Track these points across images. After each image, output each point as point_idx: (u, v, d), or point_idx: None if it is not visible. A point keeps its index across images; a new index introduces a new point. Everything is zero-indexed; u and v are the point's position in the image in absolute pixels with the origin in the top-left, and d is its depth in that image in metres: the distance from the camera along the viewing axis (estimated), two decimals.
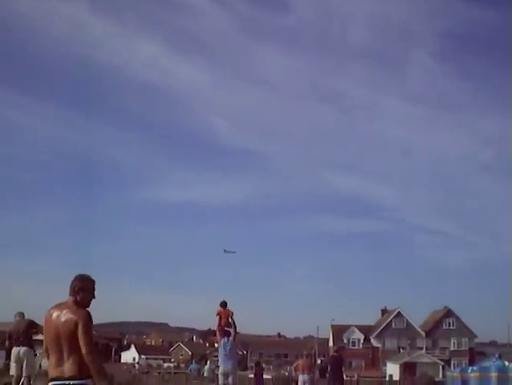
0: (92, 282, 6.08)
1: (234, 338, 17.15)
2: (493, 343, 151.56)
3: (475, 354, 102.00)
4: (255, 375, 30.30)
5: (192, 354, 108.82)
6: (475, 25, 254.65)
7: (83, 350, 5.63)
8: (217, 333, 17.51)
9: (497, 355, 35.50)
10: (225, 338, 17.00)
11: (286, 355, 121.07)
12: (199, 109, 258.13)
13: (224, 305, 17.49)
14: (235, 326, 17.26)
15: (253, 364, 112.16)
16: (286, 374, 58.13)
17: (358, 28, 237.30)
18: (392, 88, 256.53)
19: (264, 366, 36.88)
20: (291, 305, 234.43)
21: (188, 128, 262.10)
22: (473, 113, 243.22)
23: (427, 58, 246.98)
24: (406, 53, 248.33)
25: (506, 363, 33.05)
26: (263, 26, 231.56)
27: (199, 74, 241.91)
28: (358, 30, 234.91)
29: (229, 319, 17.25)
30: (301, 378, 20.82)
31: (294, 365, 22.55)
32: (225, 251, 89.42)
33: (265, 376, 52.15)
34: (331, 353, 35.50)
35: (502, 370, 29.58)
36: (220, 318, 17.49)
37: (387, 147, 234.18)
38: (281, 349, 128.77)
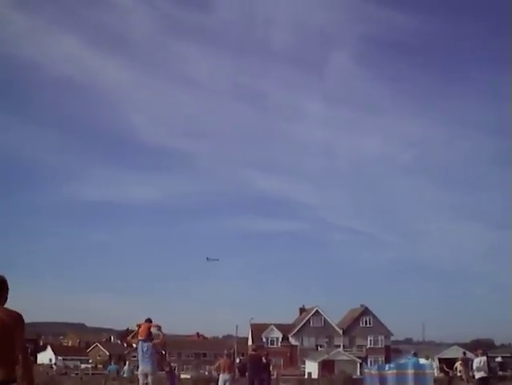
0: (4, 282, 5.83)
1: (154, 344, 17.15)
2: (408, 341, 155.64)
3: (391, 352, 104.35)
4: (167, 377, 30.14)
5: (110, 354, 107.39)
6: (395, 29, 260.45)
7: (21, 355, 5.42)
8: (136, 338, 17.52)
9: (412, 352, 36.34)
10: (144, 341, 16.97)
11: (205, 355, 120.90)
12: (120, 107, 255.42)
13: (149, 321, 17.42)
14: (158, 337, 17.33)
15: (172, 364, 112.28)
16: (206, 373, 57.96)
17: (280, 30, 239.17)
18: (312, 90, 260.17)
19: (173, 365, 36.58)
20: (210, 305, 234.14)
21: (108, 126, 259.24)
22: (392, 115, 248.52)
23: (347, 61, 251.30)
24: (327, 56, 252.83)
25: (421, 360, 33.93)
26: (186, 25, 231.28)
27: (120, 72, 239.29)
28: (280, 33, 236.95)
29: (151, 329, 17.18)
30: (222, 377, 20.79)
31: (216, 365, 22.41)
32: (207, 259, 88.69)
33: (184, 376, 52.07)
34: (250, 352, 35.58)
35: (418, 367, 30.34)
36: (139, 328, 17.46)
37: (307, 147, 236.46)
38: (200, 348, 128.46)
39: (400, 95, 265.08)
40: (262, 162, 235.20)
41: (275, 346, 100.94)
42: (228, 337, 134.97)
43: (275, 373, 51.39)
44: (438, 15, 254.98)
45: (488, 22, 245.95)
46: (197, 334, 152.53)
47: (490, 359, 34.79)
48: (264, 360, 22.79)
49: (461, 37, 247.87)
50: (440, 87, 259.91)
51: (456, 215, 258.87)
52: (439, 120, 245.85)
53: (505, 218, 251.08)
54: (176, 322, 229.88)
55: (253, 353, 22.88)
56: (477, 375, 21.62)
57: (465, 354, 41.14)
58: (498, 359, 53.35)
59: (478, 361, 21.82)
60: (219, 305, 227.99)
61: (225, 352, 23.70)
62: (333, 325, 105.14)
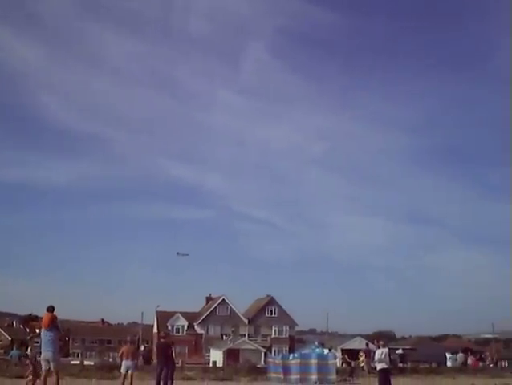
0: None
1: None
2: (312, 331, 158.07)
3: (295, 342, 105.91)
4: None
5: (12, 340, 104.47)
6: (314, 24, 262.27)
7: None
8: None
9: (316, 343, 37.03)
10: (48, 330, 16.92)
11: (109, 341, 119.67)
12: (30, 88, 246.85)
13: (51, 309, 17.29)
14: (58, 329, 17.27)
15: (75, 350, 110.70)
16: (110, 360, 57.24)
17: (198, 18, 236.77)
18: (227, 80, 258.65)
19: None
20: (116, 292, 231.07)
21: (18, 107, 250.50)
22: (305, 108, 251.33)
23: (263, 53, 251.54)
24: (243, 46, 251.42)
25: (325, 351, 34.60)
26: (104, 8, 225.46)
27: (33, 53, 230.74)
28: (198, 20, 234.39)
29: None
30: (124, 363, 20.58)
31: (120, 351, 22.15)
32: (177, 254, 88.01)
33: (87, 362, 51.30)
34: (156, 339, 35.46)
35: (321, 358, 30.95)
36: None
37: (219, 136, 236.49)
38: (104, 335, 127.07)
39: (313, 89, 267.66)
40: (175, 150, 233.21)
41: (181, 334, 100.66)
42: (133, 324, 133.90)
43: (180, 361, 51.37)
44: (357, 12, 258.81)
45: (404, 19, 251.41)
46: (102, 320, 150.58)
47: (391, 351, 35.81)
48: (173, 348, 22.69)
49: (379, 34, 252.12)
50: (355, 83, 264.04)
51: (362, 208, 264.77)
52: (352, 116, 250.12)
53: (407, 213, 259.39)
54: (81, 309, 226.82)
55: (161, 340, 22.72)
56: (379, 366, 22.16)
57: (367, 345, 42.09)
58: (399, 351, 54.99)
59: (380, 352, 22.36)
60: (125, 292, 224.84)
61: (128, 338, 23.43)
62: (239, 314, 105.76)
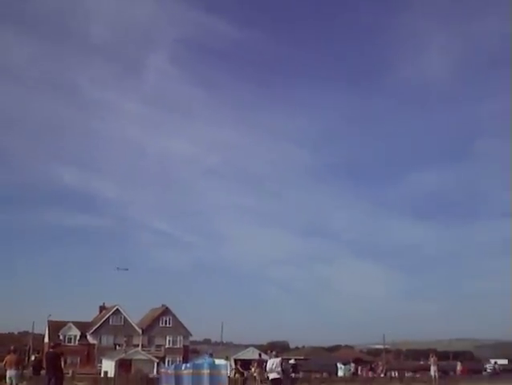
0: None
1: None
2: (207, 341, 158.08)
3: (189, 352, 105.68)
4: None
5: None
6: (216, 36, 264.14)
7: None
8: None
9: (209, 353, 37.09)
10: None
11: None
12: None
13: None
14: None
15: None
16: None
17: (100, 25, 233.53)
18: (128, 89, 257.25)
19: None
20: (5, 300, 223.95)
21: None
22: (203, 119, 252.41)
23: (165, 63, 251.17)
24: (145, 56, 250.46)
25: (217, 361, 34.69)
26: (5, 8, 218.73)
27: None
28: (100, 28, 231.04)
29: None
30: (8, 373, 20.16)
31: (3, 361, 21.67)
32: (117, 269, 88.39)
33: None
34: (47, 349, 34.66)
35: (213, 367, 31.01)
36: None
37: (119, 145, 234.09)
38: None
39: (212, 100, 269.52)
40: (70, 157, 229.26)
41: (73, 344, 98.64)
42: (24, 333, 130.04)
43: (70, 371, 50.29)
44: (257, 25, 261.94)
45: (304, 32, 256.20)
46: None
47: (284, 361, 36.30)
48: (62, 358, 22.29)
49: (279, 46, 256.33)
50: (253, 97, 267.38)
51: (260, 220, 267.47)
52: (248, 128, 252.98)
53: (303, 226, 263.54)
54: None
55: (50, 350, 22.28)
56: (271, 376, 22.48)
57: (260, 355, 42.54)
58: (292, 361, 55.66)
59: (271, 362, 22.70)
60: (16, 301, 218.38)
61: (12, 348, 22.93)
62: (133, 324, 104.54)
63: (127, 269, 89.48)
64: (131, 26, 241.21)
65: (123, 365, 75.42)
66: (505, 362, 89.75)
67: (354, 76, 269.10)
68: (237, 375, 41.53)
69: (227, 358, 40.35)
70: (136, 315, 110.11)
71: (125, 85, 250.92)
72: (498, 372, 60.49)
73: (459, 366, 57.58)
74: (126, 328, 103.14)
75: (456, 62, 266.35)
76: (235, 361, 63.55)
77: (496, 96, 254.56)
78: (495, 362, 66.38)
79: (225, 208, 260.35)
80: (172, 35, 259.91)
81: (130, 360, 78.62)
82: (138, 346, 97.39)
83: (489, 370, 62.62)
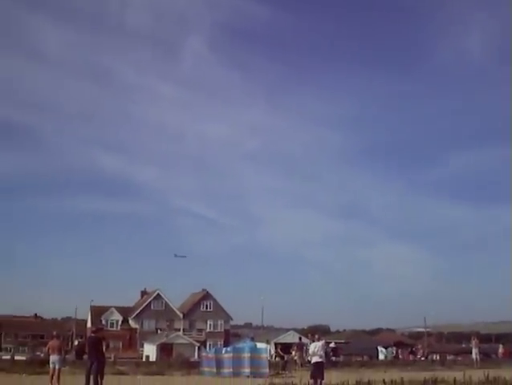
0: None
1: None
2: (247, 325, 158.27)
3: (230, 336, 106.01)
4: None
5: None
6: (251, 19, 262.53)
7: None
8: None
9: (250, 337, 37.03)
10: None
11: (42, 336, 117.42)
12: None
13: None
14: None
15: (7, 345, 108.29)
16: (42, 355, 56.22)
17: (136, 10, 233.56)
18: (166, 73, 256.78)
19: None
20: (50, 286, 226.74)
21: None
22: (240, 103, 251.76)
23: (202, 47, 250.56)
24: (182, 40, 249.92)
25: (258, 345, 34.65)
26: None
27: None
28: (136, 13, 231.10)
29: None
30: (51, 358, 20.26)
31: (47, 346, 21.81)
32: (175, 256, 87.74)
33: (18, 357, 50.29)
34: (89, 334, 34.92)
35: (254, 351, 31.00)
36: None
37: (157, 130, 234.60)
38: (37, 330, 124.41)
39: (249, 85, 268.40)
40: (109, 142, 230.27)
41: (115, 328, 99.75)
42: (67, 319, 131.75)
43: (112, 356, 50.78)
44: (295, 9, 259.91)
45: (339, 19, 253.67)
46: (35, 315, 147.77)
47: (326, 345, 36.07)
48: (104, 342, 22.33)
49: (316, 32, 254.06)
50: (288, 80, 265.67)
51: (295, 203, 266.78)
52: (284, 112, 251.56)
53: (339, 208, 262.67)
54: (14, 303, 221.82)
55: (92, 335, 22.30)
56: (313, 360, 22.22)
57: (300, 339, 42.33)
58: (332, 345, 55.39)
59: (314, 346, 22.42)
60: (58, 287, 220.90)
61: (54, 333, 23.10)
62: (174, 308, 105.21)
63: (185, 256, 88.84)
64: (167, 10, 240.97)
65: (165, 349, 75.98)
66: None
67: (389, 58, 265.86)
68: (277, 359, 41.45)
69: (268, 342, 40.26)
70: (176, 300, 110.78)
71: (162, 69, 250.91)
72: None
73: (501, 349, 56.83)
74: (167, 312, 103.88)
75: (495, 43, 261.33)
76: (275, 345, 63.55)
77: None
78: None
79: (262, 191, 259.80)
80: (209, 19, 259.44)
81: (171, 344, 79.10)
82: (179, 330, 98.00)
83: None
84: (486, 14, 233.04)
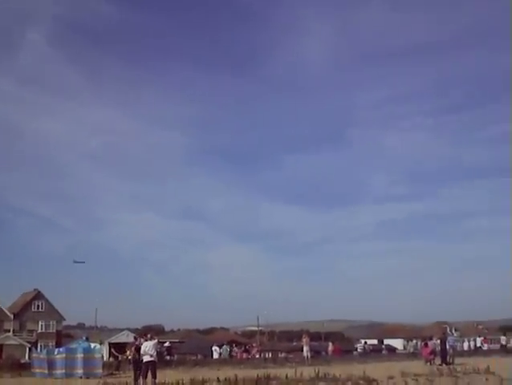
0: None
1: None
2: (81, 326, 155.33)
3: (62, 337, 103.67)
4: None
5: None
6: (94, 15, 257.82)
7: None
8: None
9: (84, 337, 36.65)
10: None
11: None
12: None
13: None
14: None
15: None
16: None
17: None
18: (3, 68, 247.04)
19: None
20: None
21: None
22: (83, 101, 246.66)
23: (42, 42, 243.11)
24: (21, 34, 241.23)
25: (92, 345, 34.33)
26: None
27: None
28: None
29: None
30: None
31: None
32: (74, 262, 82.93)
33: None
34: None
35: (88, 351, 30.76)
36: None
37: None
38: None
39: (93, 82, 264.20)
40: None
41: None
42: None
43: None
44: (137, 7, 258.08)
45: (188, 19, 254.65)
46: None
47: (159, 344, 36.34)
48: None
49: (160, 34, 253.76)
50: (134, 79, 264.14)
51: (137, 204, 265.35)
52: (129, 112, 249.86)
53: (179, 209, 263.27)
54: None
55: None
56: (145, 359, 22.48)
57: (135, 338, 42.30)
58: (167, 344, 55.72)
59: (145, 345, 22.71)
60: None
61: None
62: (3, 309, 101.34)
63: (83, 262, 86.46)
64: (5, 3, 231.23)
65: None
66: (374, 342, 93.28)
67: (233, 63, 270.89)
68: (111, 359, 41.20)
69: (101, 342, 39.93)
70: (6, 300, 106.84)
71: (1, 64, 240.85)
72: (368, 351, 62.77)
73: (330, 347, 59.25)
74: None
75: (333, 51, 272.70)
76: (110, 345, 63.00)
77: (370, 87, 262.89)
78: (365, 342, 68.75)
79: (103, 192, 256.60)
80: (49, 13, 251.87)
81: (1, 345, 76.56)
82: (9, 331, 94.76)
83: (359, 350, 64.82)
84: (322, 23, 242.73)
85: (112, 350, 44.51)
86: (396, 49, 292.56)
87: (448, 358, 38.69)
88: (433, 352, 40.06)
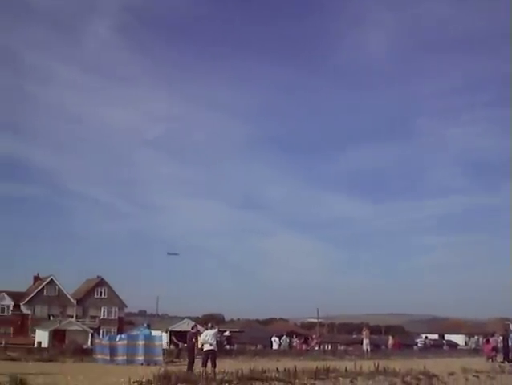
0: None
1: None
2: (142, 313, 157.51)
3: (124, 323, 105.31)
4: None
5: None
6: (159, 6, 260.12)
7: None
8: None
9: (145, 325, 37.10)
10: None
11: None
12: None
13: None
14: None
15: None
16: None
17: None
18: (67, 55, 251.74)
19: None
20: None
21: None
22: (144, 90, 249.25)
23: (107, 30, 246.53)
24: (86, 22, 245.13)
25: (153, 333, 34.77)
26: None
27: None
28: None
29: None
30: None
31: None
32: (168, 254, 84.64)
33: None
34: None
35: (148, 339, 31.13)
36: None
37: (56, 112, 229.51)
38: None
39: (154, 71, 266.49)
40: (3, 122, 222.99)
41: (6, 313, 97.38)
42: None
43: (3, 341, 49.66)
44: None
45: (249, 10, 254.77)
46: None
47: (219, 333, 36.54)
48: None
49: (224, 21, 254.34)
50: (194, 69, 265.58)
51: (195, 192, 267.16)
52: (189, 100, 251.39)
53: (240, 198, 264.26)
54: None
55: None
56: (205, 348, 22.61)
57: (192, 328, 42.59)
58: (226, 334, 56.03)
59: (205, 334, 22.83)
60: None
61: None
62: (67, 294, 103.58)
63: (177, 254, 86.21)
64: None
65: (58, 335, 74.71)
66: (435, 337, 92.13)
67: (295, 52, 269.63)
68: (172, 347, 41.57)
69: (167, 331, 40.36)
70: (71, 286, 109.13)
71: (64, 51, 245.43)
72: (428, 346, 62.08)
73: (390, 340, 58.81)
74: (60, 298, 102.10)
75: (395, 42, 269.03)
76: (170, 333, 63.63)
77: (432, 78, 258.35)
78: (426, 337, 68.10)
79: (162, 178, 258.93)
80: (115, 2, 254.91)
81: (64, 331, 77.85)
82: (72, 316, 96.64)
83: (419, 345, 64.16)
84: (390, 15, 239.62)
85: (173, 337, 44.91)
86: (459, 39, 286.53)
87: (510, 355, 37.91)
88: (495, 349, 39.33)
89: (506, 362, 35.44)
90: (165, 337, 34.67)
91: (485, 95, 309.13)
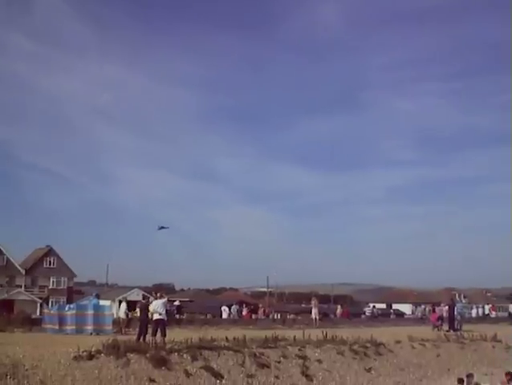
0: None
1: None
2: (91, 283, 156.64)
3: (73, 293, 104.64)
4: None
5: None
6: None
7: None
8: None
9: (94, 294, 36.93)
10: None
11: None
12: None
13: None
14: None
15: None
16: None
17: None
18: (18, 24, 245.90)
19: None
20: None
21: None
22: (95, 58, 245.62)
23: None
24: None
25: (101, 302, 34.58)
26: None
27: None
28: None
29: None
30: None
31: None
32: (159, 228, 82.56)
33: None
34: None
35: (98, 309, 30.98)
36: None
37: (6, 82, 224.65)
38: None
39: (105, 40, 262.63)
40: None
41: None
42: None
43: None
44: None
45: None
46: None
47: (169, 303, 36.64)
48: None
49: None
50: (147, 36, 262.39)
51: (148, 162, 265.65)
52: (141, 70, 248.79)
53: (191, 169, 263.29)
54: None
55: None
56: (154, 317, 22.71)
57: (144, 297, 42.62)
58: (176, 303, 56.22)
59: (155, 304, 22.93)
60: None
61: None
62: (15, 264, 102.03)
63: (168, 228, 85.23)
64: None
65: (6, 305, 73.77)
66: (383, 306, 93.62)
67: (247, 23, 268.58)
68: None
69: (121, 301, 40.17)
70: (18, 255, 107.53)
71: (13, 19, 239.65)
72: (376, 315, 63.08)
73: (339, 309, 59.62)
74: (8, 268, 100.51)
75: (350, 15, 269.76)
76: (119, 302, 63.50)
77: (383, 50, 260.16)
78: (373, 306, 68.95)
79: (115, 149, 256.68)
80: None
81: (12, 300, 77.20)
82: (21, 286, 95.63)
83: (367, 314, 65.07)
84: None
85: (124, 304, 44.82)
86: (411, 12, 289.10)
87: (455, 324, 38.88)
88: (441, 318, 40.30)
89: (452, 331, 36.37)
90: (124, 306, 34.44)
91: (435, 67, 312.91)
